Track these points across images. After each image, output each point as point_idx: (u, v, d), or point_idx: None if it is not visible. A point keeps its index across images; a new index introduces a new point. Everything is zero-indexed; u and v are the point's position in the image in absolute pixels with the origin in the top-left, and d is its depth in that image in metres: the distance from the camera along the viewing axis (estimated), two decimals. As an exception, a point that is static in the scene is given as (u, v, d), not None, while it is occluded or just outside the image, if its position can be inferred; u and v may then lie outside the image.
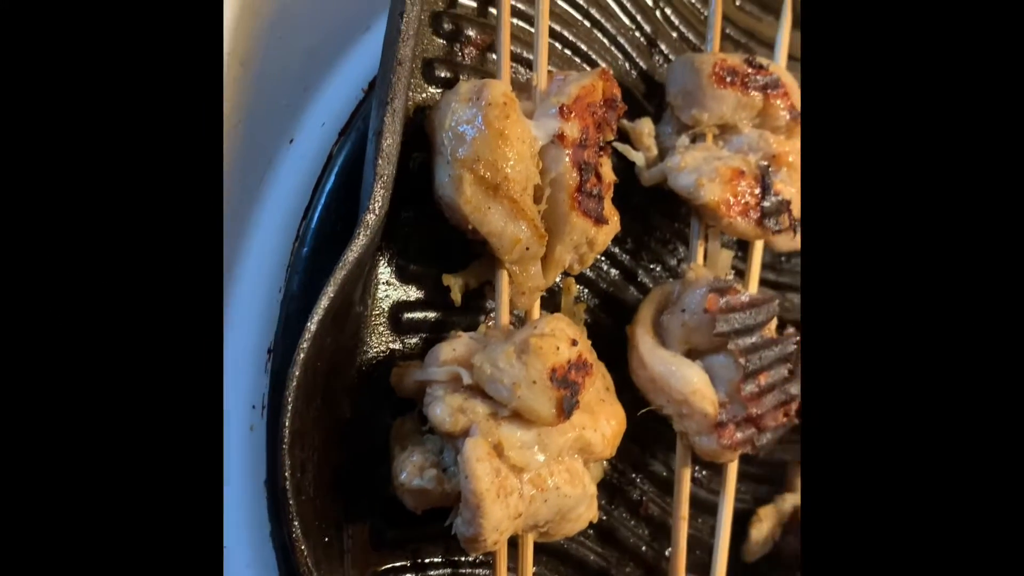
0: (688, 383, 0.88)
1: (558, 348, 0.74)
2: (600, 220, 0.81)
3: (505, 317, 0.80)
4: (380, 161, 0.72)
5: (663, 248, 1.03)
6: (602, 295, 0.97)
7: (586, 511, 0.80)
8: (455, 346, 0.75)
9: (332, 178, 0.83)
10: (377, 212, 0.71)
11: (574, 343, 0.75)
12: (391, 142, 0.72)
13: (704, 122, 0.96)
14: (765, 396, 0.89)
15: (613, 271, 0.99)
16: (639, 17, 1.02)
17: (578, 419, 0.77)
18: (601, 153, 0.82)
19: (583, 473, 0.78)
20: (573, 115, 0.79)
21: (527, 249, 0.78)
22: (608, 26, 0.99)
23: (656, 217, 1.02)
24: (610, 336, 0.94)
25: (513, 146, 0.74)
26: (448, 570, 0.82)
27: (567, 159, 0.78)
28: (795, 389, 0.91)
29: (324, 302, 0.68)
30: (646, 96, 1.02)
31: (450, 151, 0.75)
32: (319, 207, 0.82)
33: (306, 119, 0.86)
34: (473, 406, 0.72)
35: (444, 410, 0.72)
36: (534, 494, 0.73)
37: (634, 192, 0.99)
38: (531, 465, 0.72)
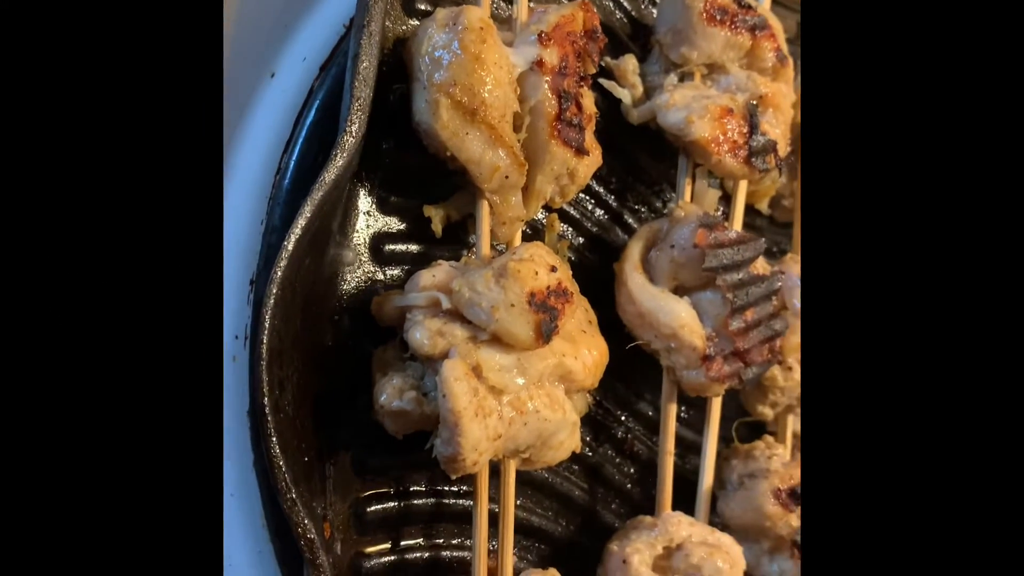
0: (677, 317, 0.88)
1: (537, 273, 0.74)
2: (581, 151, 0.81)
3: (486, 247, 0.80)
4: (356, 83, 0.72)
5: (649, 190, 1.03)
6: (588, 235, 0.97)
7: (568, 439, 0.80)
8: (435, 272, 0.75)
9: (313, 112, 0.83)
10: (354, 134, 0.71)
11: (553, 269, 0.75)
12: (367, 65, 0.72)
13: (693, 60, 0.96)
14: (751, 331, 0.89)
15: (599, 211, 0.98)
16: (625, -42, 1.02)
17: (558, 346, 0.77)
18: (582, 84, 0.82)
19: (564, 400, 0.78)
20: (552, 42, 0.78)
21: (507, 178, 0.78)
22: (594, -34, 0.99)
23: (643, 158, 1.02)
24: (596, 275, 0.95)
25: (490, 70, 0.74)
26: (432, 499, 0.83)
27: (546, 86, 0.78)
28: (780, 325, 0.91)
29: (301, 221, 0.68)
30: (631, 37, 1.02)
31: (427, 76, 0.74)
32: (300, 140, 0.82)
33: (287, 54, 0.86)
34: (452, 330, 0.72)
35: (423, 334, 0.72)
36: (513, 416, 0.73)
37: (620, 133, 0.98)
38: (510, 387, 0.73)
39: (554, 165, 0.80)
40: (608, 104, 0.97)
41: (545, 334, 0.73)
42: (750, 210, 1.12)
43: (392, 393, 0.72)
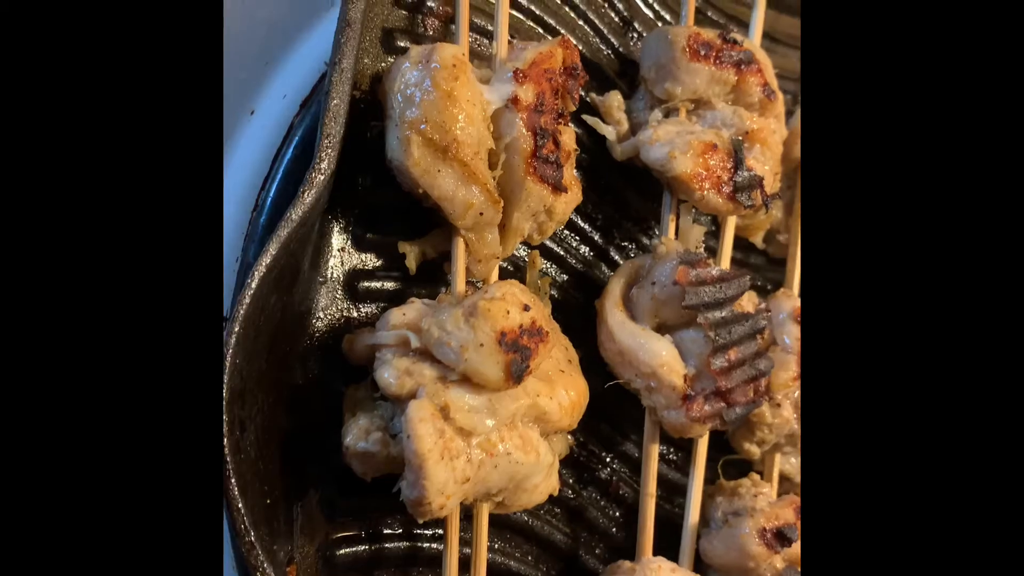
0: (656, 356, 0.86)
1: (508, 312, 0.72)
2: (558, 188, 0.80)
3: (461, 285, 0.79)
4: (327, 120, 0.71)
5: (636, 227, 1.01)
6: (572, 272, 0.96)
7: (544, 482, 0.78)
8: (406, 311, 0.74)
9: (292, 149, 0.83)
10: (323, 171, 0.71)
11: (526, 308, 0.74)
12: (337, 102, 0.72)
13: (677, 96, 0.95)
14: (735, 371, 0.87)
15: (584, 248, 0.97)
16: (614, -5, 1.02)
17: (533, 386, 0.76)
18: (560, 120, 0.81)
19: (538, 441, 0.76)
20: (528, 79, 0.78)
21: (481, 215, 0.77)
22: (579, 2, 0.99)
23: (630, 195, 1.01)
24: (580, 313, 0.93)
25: (462, 108, 0.74)
26: (404, 542, 0.81)
27: (521, 123, 0.77)
28: (764, 365, 0.89)
29: (266, 260, 0.68)
30: (619, 74, 1.02)
31: (399, 114, 0.74)
32: (278, 177, 0.82)
33: (267, 91, 0.87)
34: (421, 369, 0.71)
35: (391, 373, 0.71)
36: (483, 459, 0.71)
37: (607, 170, 0.98)
38: (479, 429, 0.71)
39: (530, 202, 0.80)
40: (595, 140, 0.97)
41: (515, 375, 0.71)
42: (746, 247, 1.11)
43: (358, 434, 0.71)
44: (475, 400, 0.71)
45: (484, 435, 0.72)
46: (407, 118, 0.74)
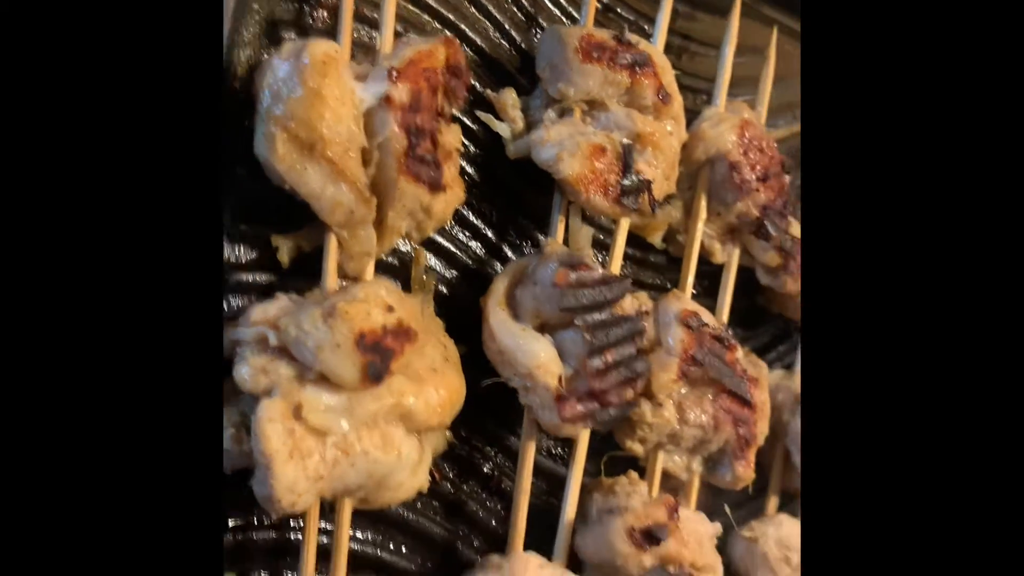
0: (534, 356, 0.87)
1: (369, 313, 0.73)
2: (436, 187, 0.81)
3: (332, 281, 0.79)
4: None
5: (531, 224, 1.02)
6: (463, 268, 0.96)
7: (409, 479, 0.79)
8: (268, 307, 0.74)
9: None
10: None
11: (390, 309, 0.75)
12: (199, 97, 0.71)
13: (570, 96, 0.95)
14: (611, 372, 0.88)
15: (475, 244, 0.98)
16: (518, -10, 1.01)
17: (398, 386, 0.76)
18: (440, 119, 0.81)
19: (401, 440, 0.77)
20: (403, 78, 0.78)
21: (352, 213, 0.77)
22: (480, -3, 0.98)
23: (526, 192, 1.01)
24: (468, 310, 0.94)
25: (330, 106, 0.73)
26: (272, 533, 0.82)
27: (394, 122, 0.77)
28: (641, 366, 0.90)
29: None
30: (520, 70, 1.01)
31: (266, 109, 0.74)
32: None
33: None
34: (277, 368, 0.71)
35: (247, 370, 0.71)
36: (338, 457, 0.72)
37: (503, 166, 0.98)
38: (334, 429, 0.72)
39: (405, 201, 0.80)
40: (491, 136, 0.97)
41: (372, 376, 0.72)
42: (647, 245, 1.11)
43: (211, 430, 0.71)
44: (332, 400, 0.72)
45: (340, 434, 0.72)
46: (273, 114, 0.73)
